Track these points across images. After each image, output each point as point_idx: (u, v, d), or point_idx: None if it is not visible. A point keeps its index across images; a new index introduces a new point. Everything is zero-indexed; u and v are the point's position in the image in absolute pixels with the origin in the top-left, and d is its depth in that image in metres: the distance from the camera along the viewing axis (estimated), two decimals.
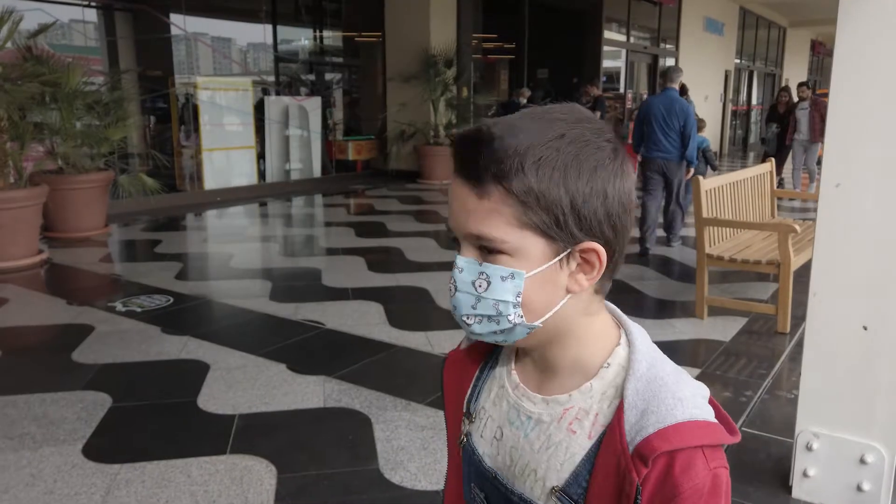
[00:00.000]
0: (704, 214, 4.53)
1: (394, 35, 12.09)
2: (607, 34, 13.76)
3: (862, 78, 2.21)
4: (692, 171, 6.66)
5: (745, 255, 4.53)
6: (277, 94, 11.88)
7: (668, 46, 16.26)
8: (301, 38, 13.72)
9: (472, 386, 0.90)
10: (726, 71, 18.90)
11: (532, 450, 0.80)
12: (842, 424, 2.40)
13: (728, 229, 4.99)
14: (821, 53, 28.50)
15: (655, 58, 15.54)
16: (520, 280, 0.71)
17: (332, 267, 5.96)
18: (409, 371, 3.70)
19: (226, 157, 10.15)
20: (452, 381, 0.94)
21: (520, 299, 0.72)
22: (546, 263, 0.72)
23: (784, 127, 10.77)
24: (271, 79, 12.45)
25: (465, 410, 0.90)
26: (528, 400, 0.82)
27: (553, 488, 0.77)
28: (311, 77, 13.26)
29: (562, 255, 0.72)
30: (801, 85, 10.98)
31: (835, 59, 2.26)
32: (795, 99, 10.95)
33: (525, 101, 11.76)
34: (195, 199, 9.54)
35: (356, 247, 6.79)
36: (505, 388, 0.85)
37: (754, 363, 3.88)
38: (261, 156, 10.79)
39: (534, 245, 0.71)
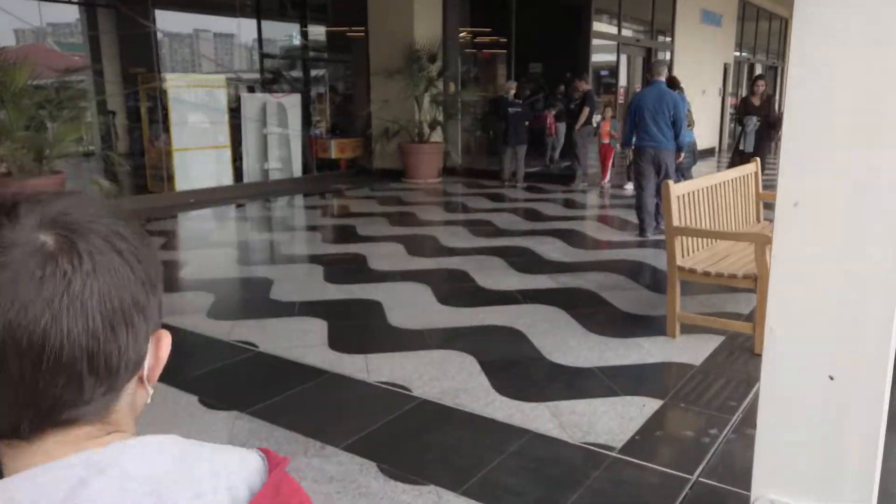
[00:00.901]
0: (675, 223, 4.11)
1: (377, 29, 11.70)
2: (598, 27, 13.29)
3: (825, 68, 1.80)
4: (682, 155, 7.13)
5: (720, 268, 4.10)
6: (255, 90, 11.50)
7: (666, 39, 15.77)
8: (282, 33, 13.32)
9: None
10: (725, 64, 18.39)
11: None
12: (805, 490, 2.00)
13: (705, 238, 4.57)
14: None
15: (650, 51, 15.06)
16: None
17: (286, 277, 5.56)
18: (335, 404, 3.30)
19: (199, 157, 9.75)
20: None
21: None
22: None
23: (766, 121, 9.43)
24: (249, 75, 12.08)
25: None
26: None
27: None
28: (292, 73, 12.85)
29: None
30: None
31: (792, 47, 1.84)
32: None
33: (512, 94, 11.30)
34: (166, 200, 9.14)
35: (318, 253, 6.40)
36: None
37: (726, 392, 3.46)
38: (237, 155, 10.41)
39: None
